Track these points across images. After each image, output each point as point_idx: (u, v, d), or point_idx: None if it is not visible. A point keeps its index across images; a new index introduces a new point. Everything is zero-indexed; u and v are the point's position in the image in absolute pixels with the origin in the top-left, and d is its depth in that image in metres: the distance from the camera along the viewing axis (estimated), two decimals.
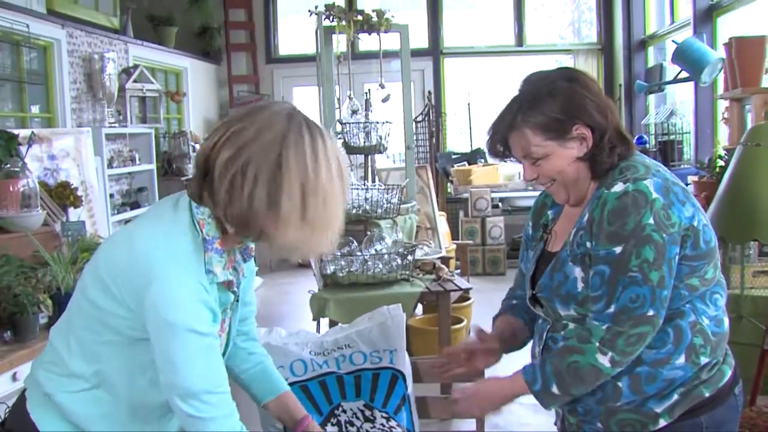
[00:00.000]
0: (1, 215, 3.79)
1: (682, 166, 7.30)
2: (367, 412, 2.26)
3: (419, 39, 9.75)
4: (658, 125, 8.01)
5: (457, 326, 5.34)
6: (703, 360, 1.80)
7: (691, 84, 7.10)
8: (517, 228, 9.30)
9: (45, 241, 3.74)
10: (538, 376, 1.81)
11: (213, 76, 10.15)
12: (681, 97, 8.30)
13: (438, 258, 4.93)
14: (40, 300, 3.06)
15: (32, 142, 4.35)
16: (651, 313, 1.72)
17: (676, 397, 1.82)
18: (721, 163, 4.87)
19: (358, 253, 4.25)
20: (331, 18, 4.93)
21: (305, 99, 10.24)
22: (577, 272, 1.82)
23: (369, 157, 4.85)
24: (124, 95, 6.95)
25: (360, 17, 4.95)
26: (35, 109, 6.13)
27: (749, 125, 5.33)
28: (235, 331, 1.90)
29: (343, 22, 4.91)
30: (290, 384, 2.24)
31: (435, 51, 10.18)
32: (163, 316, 1.58)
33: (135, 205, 7.08)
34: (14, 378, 2.77)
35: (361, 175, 4.88)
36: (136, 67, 7.32)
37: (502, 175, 9.57)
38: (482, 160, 9.78)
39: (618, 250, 1.72)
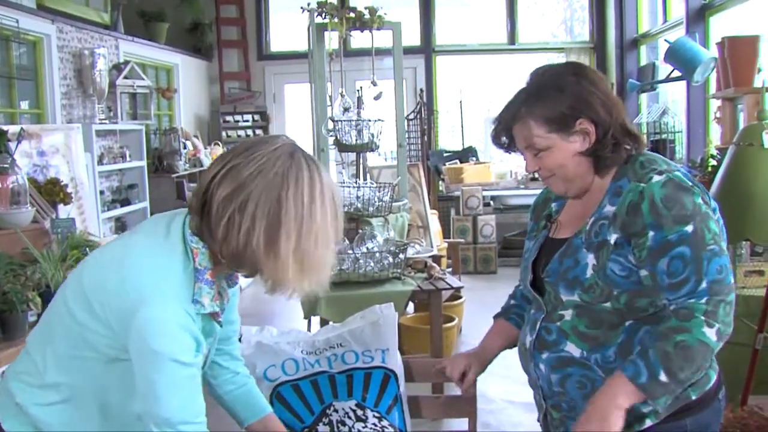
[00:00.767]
0: None
1: None
2: (359, 412, 2.24)
3: (411, 37, 9.74)
4: (650, 124, 8.01)
5: (449, 325, 5.33)
6: None
7: (683, 83, 7.11)
8: (509, 226, 9.31)
9: (34, 238, 3.72)
10: (641, 368, 1.71)
11: (204, 72, 10.12)
12: (673, 95, 8.31)
13: (430, 256, 4.92)
14: (29, 298, 3.04)
15: (21, 139, 4.33)
16: (732, 281, 1.75)
17: None
18: (713, 162, 4.88)
19: (350, 251, 4.23)
20: (323, 15, 4.90)
21: (296, 96, 10.23)
22: (590, 259, 1.82)
23: (361, 154, 4.83)
24: (114, 91, 6.92)
25: (352, 14, 4.93)
26: (24, 105, 6.09)
27: (741, 125, 5.34)
28: (213, 351, 1.88)
29: (336, 20, 4.89)
30: (282, 383, 2.24)
31: (427, 49, 10.17)
32: (148, 343, 1.56)
33: (125, 202, 7.05)
34: (2, 376, 2.74)
35: (352, 173, 4.86)
36: (126, 63, 7.29)
37: (493, 174, 9.57)
38: (474, 159, 9.78)
39: (690, 228, 1.73)
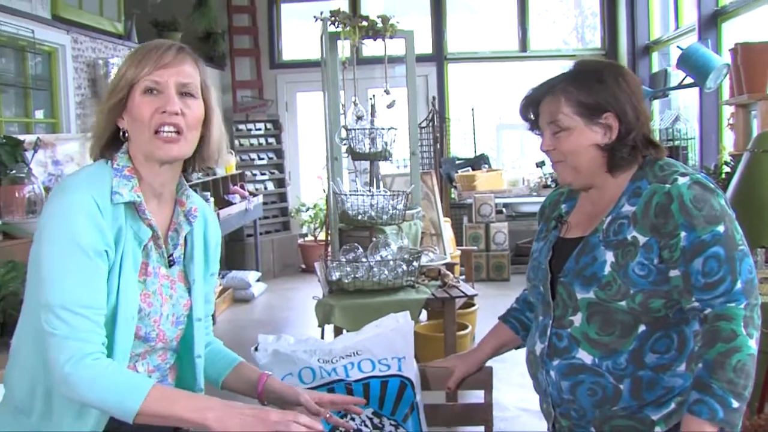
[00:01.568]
0: (7, 221, 3.79)
1: None
2: (376, 420, 2.25)
3: (423, 44, 9.75)
4: (663, 131, 7.99)
5: (462, 332, 5.33)
6: None
7: (695, 89, 7.09)
8: (521, 234, 9.30)
9: None
10: (714, 404, 1.68)
11: (217, 81, 10.15)
12: (685, 101, 8.29)
13: (443, 264, 4.92)
14: None
15: (37, 148, 4.36)
16: (758, 280, 1.80)
17: (673, 405, 1.84)
18: (727, 169, 4.87)
19: (364, 260, 4.24)
20: (336, 24, 4.92)
21: (309, 104, 10.26)
22: (609, 256, 1.83)
23: (374, 163, 4.84)
24: None
25: (365, 23, 4.94)
26: (39, 115, 6.13)
27: (755, 131, 5.33)
28: (157, 279, 1.82)
29: (348, 28, 4.90)
30: None
31: (439, 56, 10.19)
32: (51, 226, 1.62)
33: None
34: None
35: (365, 181, 4.87)
36: None
37: (506, 181, 9.58)
38: (486, 166, 9.77)
39: (721, 228, 1.75)
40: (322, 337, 5.17)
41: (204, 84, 1.80)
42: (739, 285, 1.73)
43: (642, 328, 1.82)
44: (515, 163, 10.75)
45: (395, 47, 5.22)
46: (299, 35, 10.31)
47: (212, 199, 7.58)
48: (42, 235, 1.64)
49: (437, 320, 5.53)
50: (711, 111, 7.18)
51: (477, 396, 2.44)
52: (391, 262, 4.25)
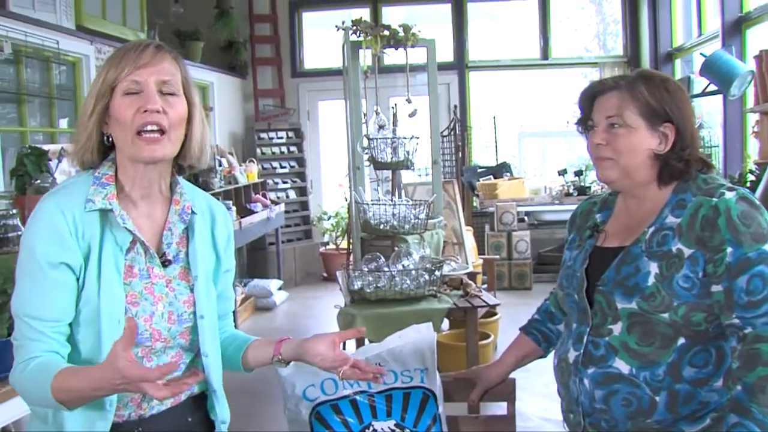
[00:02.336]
0: None
1: None
2: None
3: (444, 53, 9.75)
4: None
5: (485, 342, 5.32)
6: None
7: (719, 96, 7.03)
8: (544, 242, 9.26)
9: None
10: (755, 430, 1.66)
11: (239, 90, 10.22)
12: (708, 108, 8.22)
13: (465, 273, 4.90)
14: None
15: (62, 157, 4.39)
16: None
17: (708, 421, 1.81)
18: (752, 177, 4.82)
19: (386, 269, 4.23)
20: (357, 33, 4.93)
21: (330, 112, 10.28)
22: (653, 267, 1.82)
23: (396, 172, 4.84)
24: None
25: (386, 32, 4.94)
26: (64, 124, 6.18)
27: None
28: (145, 280, 1.79)
29: (370, 37, 4.91)
30: (321, 403, 2.23)
31: (460, 65, 10.19)
32: (23, 236, 1.70)
33: None
34: None
35: (387, 190, 4.86)
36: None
37: (528, 189, 9.54)
38: (508, 174, 9.74)
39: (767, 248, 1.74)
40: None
41: (186, 81, 1.80)
42: None
43: (682, 340, 1.80)
44: (537, 171, 10.72)
45: (417, 56, 5.22)
46: (321, 44, 10.35)
47: (234, 208, 7.60)
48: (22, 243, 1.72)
49: (459, 329, 5.51)
50: (735, 118, 7.11)
51: (500, 407, 2.43)
52: (413, 272, 4.25)
